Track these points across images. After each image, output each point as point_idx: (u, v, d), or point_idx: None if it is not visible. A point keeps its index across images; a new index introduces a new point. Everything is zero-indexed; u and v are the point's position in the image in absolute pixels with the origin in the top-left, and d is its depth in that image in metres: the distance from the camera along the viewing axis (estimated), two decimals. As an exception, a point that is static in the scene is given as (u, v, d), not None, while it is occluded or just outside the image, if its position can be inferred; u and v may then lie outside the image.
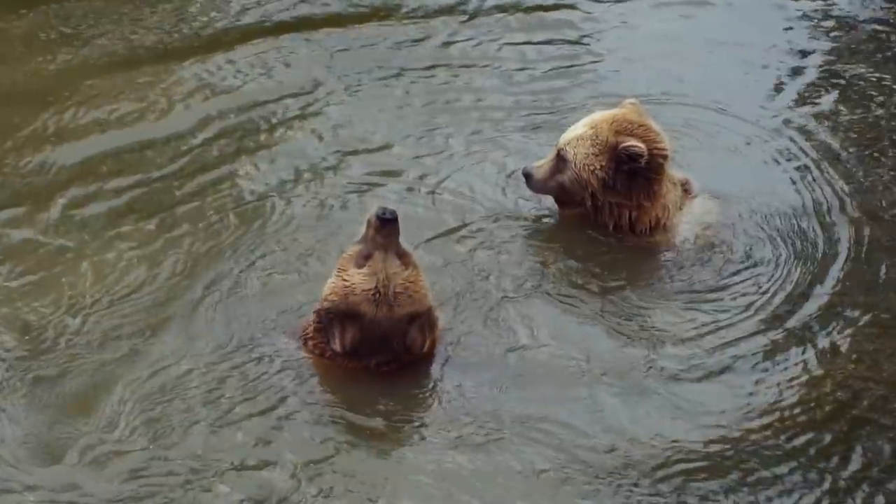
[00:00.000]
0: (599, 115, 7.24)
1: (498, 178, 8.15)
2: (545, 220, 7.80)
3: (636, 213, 7.20)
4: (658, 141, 7.10)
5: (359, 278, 6.02)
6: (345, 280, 6.06)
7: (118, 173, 8.32)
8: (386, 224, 6.05)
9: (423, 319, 6.18)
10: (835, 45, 10.11)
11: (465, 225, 7.69)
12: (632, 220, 7.24)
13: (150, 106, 9.01)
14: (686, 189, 7.41)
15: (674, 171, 7.47)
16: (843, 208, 7.98)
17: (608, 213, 7.28)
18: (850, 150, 8.61)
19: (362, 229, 6.28)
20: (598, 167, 7.12)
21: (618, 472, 6.01)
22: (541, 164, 7.36)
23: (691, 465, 6.07)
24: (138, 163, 8.42)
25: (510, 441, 6.14)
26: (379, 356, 6.23)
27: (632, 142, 7.00)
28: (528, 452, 6.10)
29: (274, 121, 8.95)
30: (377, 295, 5.99)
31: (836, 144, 8.72)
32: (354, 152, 8.55)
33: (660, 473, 6.01)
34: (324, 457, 6.06)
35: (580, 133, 7.17)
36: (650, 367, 6.62)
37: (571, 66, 9.66)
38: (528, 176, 7.37)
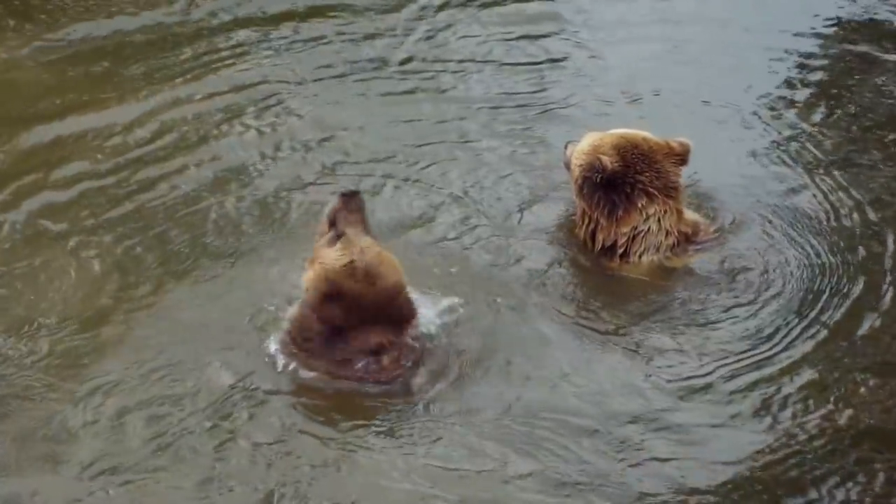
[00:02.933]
0: (626, 130, 7.31)
1: (491, 181, 8.10)
2: (542, 227, 7.74)
3: (593, 226, 7.22)
4: (640, 173, 7.11)
5: (334, 255, 6.12)
6: (321, 262, 6.16)
7: (63, 168, 8.13)
8: (351, 198, 6.29)
9: (405, 293, 6.28)
10: (842, 33, 10.06)
11: (454, 228, 7.66)
12: (590, 233, 7.27)
13: (99, 97, 8.87)
14: (695, 236, 7.35)
15: (692, 216, 7.44)
16: (857, 217, 7.81)
17: (579, 217, 7.35)
18: (863, 149, 8.50)
19: (321, 226, 6.42)
20: (579, 165, 7.20)
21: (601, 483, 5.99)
22: (576, 143, 7.46)
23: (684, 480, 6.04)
24: (84, 156, 8.25)
25: (493, 447, 6.13)
26: (368, 338, 6.23)
27: (605, 156, 7.06)
28: (510, 460, 6.08)
29: (250, 115, 8.79)
30: (354, 268, 6.09)
31: (847, 144, 8.59)
32: (326, 150, 8.39)
33: (650, 484, 5.99)
34: (301, 461, 6.03)
35: (597, 132, 7.29)
36: (645, 380, 6.57)
37: (559, 59, 9.61)
38: (566, 147, 7.51)
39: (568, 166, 7.41)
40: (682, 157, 7.24)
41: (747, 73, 9.39)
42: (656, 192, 7.15)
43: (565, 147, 7.50)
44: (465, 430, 6.16)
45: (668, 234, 7.21)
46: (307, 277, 6.29)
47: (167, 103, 8.77)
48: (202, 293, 7.00)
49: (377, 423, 6.23)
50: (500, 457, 6.05)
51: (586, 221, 7.27)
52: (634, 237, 7.20)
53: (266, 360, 6.48)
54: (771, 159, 8.35)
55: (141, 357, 6.53)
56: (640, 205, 7.14)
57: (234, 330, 6.68)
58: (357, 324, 6.20)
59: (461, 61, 9.46)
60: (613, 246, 7.22)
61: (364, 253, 6.14)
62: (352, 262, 6.12)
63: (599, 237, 7.23)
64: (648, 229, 7.18)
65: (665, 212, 7.19)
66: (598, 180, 7.11)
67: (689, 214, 7.38)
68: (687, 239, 7.29)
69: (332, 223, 6.29)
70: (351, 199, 6.29)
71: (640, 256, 7.20)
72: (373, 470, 5.99)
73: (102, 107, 8.73)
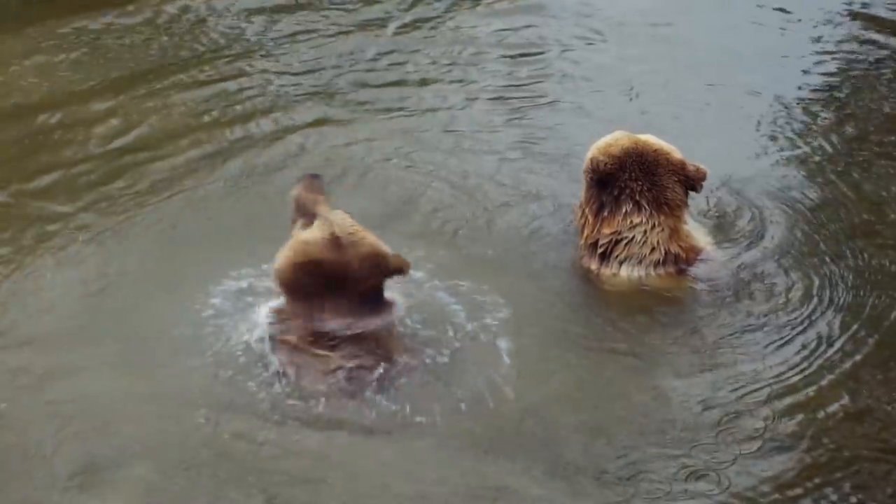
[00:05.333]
0: (648, 137, 7.20)
1: (487, 174, 8.04)
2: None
3: (583, 220, 7.25)
4: (633, 180, 7.07)
5: (312, 232, 6.31)
6: (300, 240, 6.33)
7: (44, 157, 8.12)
8: (312, 180, 6.56)
9: (386, 253, 6.39)
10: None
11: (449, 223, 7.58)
12: (580, 225, 7.29)
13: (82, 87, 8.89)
14: (689, 260, 7.21)
15: (698, 240, 7.22)
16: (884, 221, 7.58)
17: (577, 206, 7.35)
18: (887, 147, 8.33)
19: (292, 218, 6.51)
20: (590, 156, 7.18)
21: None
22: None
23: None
24: (64, 147, 8.23)
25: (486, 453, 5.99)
26: (343, 309, 6.34)
27: (609, 156, 7.08)
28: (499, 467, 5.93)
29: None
30: (336, 239, 6.27)
31: (871, 139, 8.43)
32: (312, 139, 8.37)
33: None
34: (282, 465, 5.90)
35: (625, 132, 7.23)
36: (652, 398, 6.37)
37: (557, 48, 9.55)
38: None
39: None
40: (691, 180, 7.15)
41: (764, 62, 9.37)
42: (645, 204, 7.09)
43: None
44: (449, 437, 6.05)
45: (653, 249, 7.11)
46: (283, 251, 6.36)
47: (146, 96, 8.75)
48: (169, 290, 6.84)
49: (358, 423, 6.11)
50: (489, 467, 5.92)
51: (580, 213, 7.29)
52: (617, 242, 7.15)
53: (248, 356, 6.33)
54: (789, 159, 8.27)
55: (112, 356, 6.40)
56: (625, 210, 7.10)
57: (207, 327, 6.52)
58: (342, 288, 6.31)
59: (455, 51, 9.46)
60: (596, 245, 7.19)
61: (340, 224, 6.31)
62: (332, 233, 6.28)
63: (584, 232, 7.23)
64: (633, 238, 7.11)
65: (653, 226, 7.11)
66: (588, 178, 7.13)
67: (695, 238, 7.23)
68: (677, 260, 7.15)
69: (301, 209, 6.46)
70: (312, 181, 6.52)
71: (620, 264, 7.15)
72: (357, 475, 5.86)
73: (85, 97, 8.72)
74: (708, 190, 7.51)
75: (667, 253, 7.08)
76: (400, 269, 6.35)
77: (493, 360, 6.41)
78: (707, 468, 5.89)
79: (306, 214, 6.39)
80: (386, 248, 6.36)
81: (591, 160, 7.08)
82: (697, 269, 7.11)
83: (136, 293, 6.80)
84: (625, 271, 7.12)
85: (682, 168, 7.08)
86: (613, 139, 7.12)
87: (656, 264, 7.09)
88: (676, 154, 7.11)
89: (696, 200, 7.44)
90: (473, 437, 6.00)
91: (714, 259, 7.16)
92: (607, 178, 7.06)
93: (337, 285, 6.29)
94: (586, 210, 7.18)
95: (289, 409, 6.08)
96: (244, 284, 6.67)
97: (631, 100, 8.81)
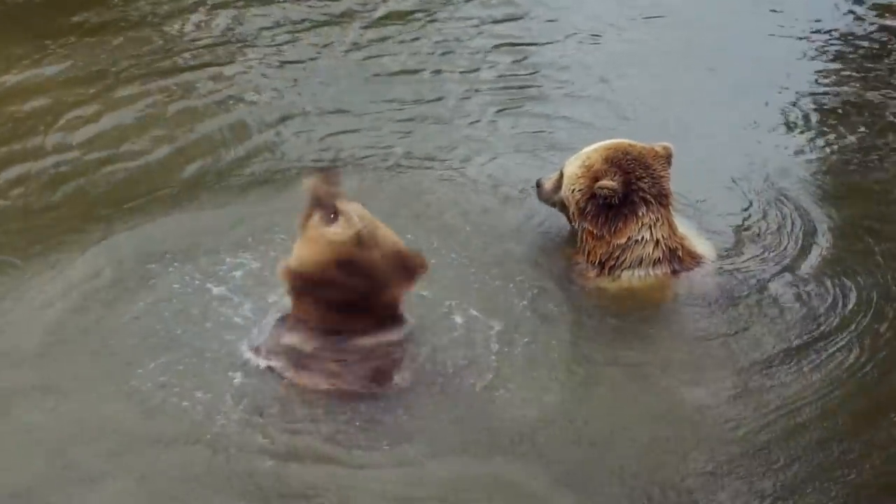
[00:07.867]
0: (607, 141, 7.22)
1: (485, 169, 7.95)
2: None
3: (596, 243, 7.15)
4: (640, 179, 7.06)
5: (338, 230, 6.28)
6: (329, 240, 6.27)
7: None
8: (330, 173, 6.57)
9: (407, 259, 6.40)
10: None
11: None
12: (591, 248, 7.19)
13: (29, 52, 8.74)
14: (682, 261, 7.11)
15: (698, 247, 7.19)
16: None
17: (579, 239, 7.24)
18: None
19: (304, 210, 6.36)
20: (579, 188, 7.15)
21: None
22: (550, 177, 7.44)
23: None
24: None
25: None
26: (357, 318, 6.29)
27: (606, 181, 7.02)
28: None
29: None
30: (361, 237, 6.28)
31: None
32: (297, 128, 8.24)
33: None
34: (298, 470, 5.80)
35: (580, 153, 7.24)
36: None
37: (550, 39, 9.46)
38: (538, 185, 7.53)
39: (546, 200, 7.44)
40: (667, 159, 7.17)
41: (765, 52, 9.29)
42: (652, 200, 7.10)
43: (537, 185, 7.45)
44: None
45: (657, 244, 7.09)
46: (305, 261, 6.27)
47: (112, 91, 8.50)
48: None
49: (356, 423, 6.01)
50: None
51: (590, 241, 7.17)
52: (625, 248, 7.13)
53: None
54: (804, 153, 8.16)
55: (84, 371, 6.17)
56: (639, 213, 7.10)
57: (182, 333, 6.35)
58: (374, 288, 6.32)
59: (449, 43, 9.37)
60: (608, 259, 7.14)
61: (363, 219, 6.33)
62: (358, 232, 6.25)
63: (598, 252, 7.13)
64: (641, 238, 7.10)
65: (657, 220, 7.10)
66: (616, 201, 7.05)
67: (697, 245, 7.20)
68: (672, 256, 7.12)
69: (318, 202, 6.40)
70: (330, 174, 6.52)
71: (622, 271, 7.12)
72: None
73: (32, 63, 8.66)
74: (738, 196, 7.61)
75: (666, 248, 7.06)
76: (422, 267, 6.32)
77: (496, 370, 6.28)
78: (730, 483, 5.73)
79: (324, 207, 6.30)
80: (405, 246, 6.35)
81: (598, 188, 6.98)
82: (690, 275, 7.06)
83: (106, 304, 6.56)
84: (625, 274, 7.07)
85: (654, 152, 7.11)
86: (586, 159, 7.08)
87: (656, 262, 7.06)
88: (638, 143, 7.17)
89: (714, 203, 7.50)
90: (476, 453, 5.86)
91: (708, 271, 7.09)
92: (625, 192, 7.00)
93: (361, 289, 6.23)
94: (601, 231, 7.10)
95: (278, 420, 5.95)
96: (221, 291, 6.55)
97: (629, 92, 8.71)
